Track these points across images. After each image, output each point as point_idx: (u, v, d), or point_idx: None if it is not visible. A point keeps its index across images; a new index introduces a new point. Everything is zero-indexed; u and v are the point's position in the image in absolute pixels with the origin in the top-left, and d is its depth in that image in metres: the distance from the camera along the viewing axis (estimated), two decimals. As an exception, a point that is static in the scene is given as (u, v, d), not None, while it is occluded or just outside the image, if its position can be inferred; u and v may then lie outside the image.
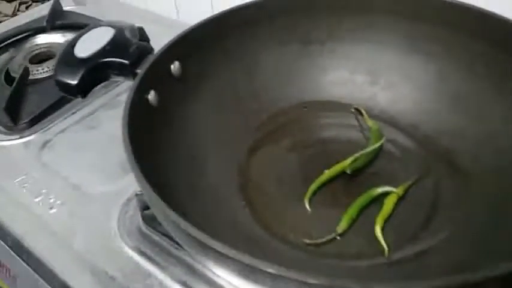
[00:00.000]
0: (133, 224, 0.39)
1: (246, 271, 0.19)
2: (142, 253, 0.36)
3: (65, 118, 0.51)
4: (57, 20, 0.66)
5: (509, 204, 0.29)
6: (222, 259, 0.20)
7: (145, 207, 0.37)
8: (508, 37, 0.34)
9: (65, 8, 0.70)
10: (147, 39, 0.44)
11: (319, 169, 0.37)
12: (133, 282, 0.34)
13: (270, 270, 0.18)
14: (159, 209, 0.23)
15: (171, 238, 0.35)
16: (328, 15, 0.42)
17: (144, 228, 0.38)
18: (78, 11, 0.71)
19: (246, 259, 0.19)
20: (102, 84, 0.58)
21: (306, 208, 0.34)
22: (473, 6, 0.36)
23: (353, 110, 0.42)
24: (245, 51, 0.41)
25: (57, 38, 0.64)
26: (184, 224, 0.21)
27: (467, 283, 0.17)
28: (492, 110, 0.34)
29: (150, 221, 0.37)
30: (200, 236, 0.20)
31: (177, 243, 0.33)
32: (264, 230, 0.33)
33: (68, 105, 0.52)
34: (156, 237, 0.37)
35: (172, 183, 0.32)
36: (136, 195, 0.38)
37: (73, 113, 0.51)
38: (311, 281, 0.17)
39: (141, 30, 0.56)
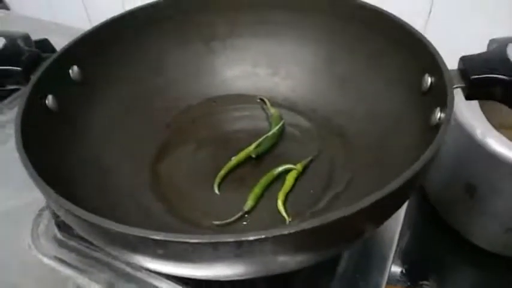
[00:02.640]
0: (49, 234, 0.39)
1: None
2: (59, 260, 0.36)
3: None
4: None
5: (385, 167, 0.33)
6: (109, 233, 0.21)
7: (57, 215, 0.37)
8: (380, 23, 0.38)
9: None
10: (53, 50, 0.44)
11: (228, 158, 0.39)
12: (52, 289, 0.34)
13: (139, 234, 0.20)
14: (50, 197, 0.23)
15: (86, 240, 0.35)
16: (225, 14, 0.44)
17: (59, 235, 0.38)
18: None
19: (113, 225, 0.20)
20: (10, 99, 0.56)
21: (216, 194, 0.36)
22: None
23: (258, 101, 0.45)
24: (147, 51, 0.43)
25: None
26: (68, 204, 0.22)
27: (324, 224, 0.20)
28: (369, 87, 0.38)
29: (65, 227, 0.37)
30: (77, 211, 0.22)
31: (84, 239, 0.34)
32: (176, 218, 0.34)
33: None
34: (73, 242, 0.37)
35: (80, 185, 0.33)
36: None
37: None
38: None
39: (45, 41, 0.55)
